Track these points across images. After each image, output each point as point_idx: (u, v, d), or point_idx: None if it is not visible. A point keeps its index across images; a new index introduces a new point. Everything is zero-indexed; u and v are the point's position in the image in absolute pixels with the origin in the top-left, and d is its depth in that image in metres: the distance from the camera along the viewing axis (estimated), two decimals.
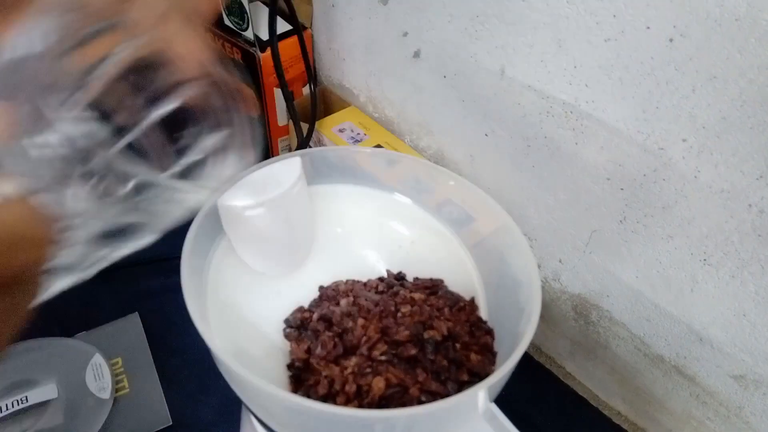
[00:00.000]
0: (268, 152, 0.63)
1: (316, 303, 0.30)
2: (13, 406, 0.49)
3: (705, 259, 0.38)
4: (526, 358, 0.56)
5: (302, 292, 0.30)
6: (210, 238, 0.28)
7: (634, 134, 0.38)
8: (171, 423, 0.50)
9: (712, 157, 0.35)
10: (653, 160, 0.38)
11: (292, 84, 0.59)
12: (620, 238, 0.43)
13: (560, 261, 0.49)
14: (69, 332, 0.55)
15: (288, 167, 0.28)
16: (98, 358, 0.53)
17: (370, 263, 0.32)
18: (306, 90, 0.60)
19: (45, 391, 0.50)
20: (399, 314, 0.27)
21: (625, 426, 0.51)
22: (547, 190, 0.46)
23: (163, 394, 0.52)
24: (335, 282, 0.30)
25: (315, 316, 0.28)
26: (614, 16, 0.35)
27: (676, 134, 0.36)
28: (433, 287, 0.29)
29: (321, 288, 0.30)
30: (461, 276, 0.31)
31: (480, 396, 0.21)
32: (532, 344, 0.57)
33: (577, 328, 0.51)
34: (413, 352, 0.25)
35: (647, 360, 0.47)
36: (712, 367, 0.42)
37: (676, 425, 0.48)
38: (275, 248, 0.29)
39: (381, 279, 0.31)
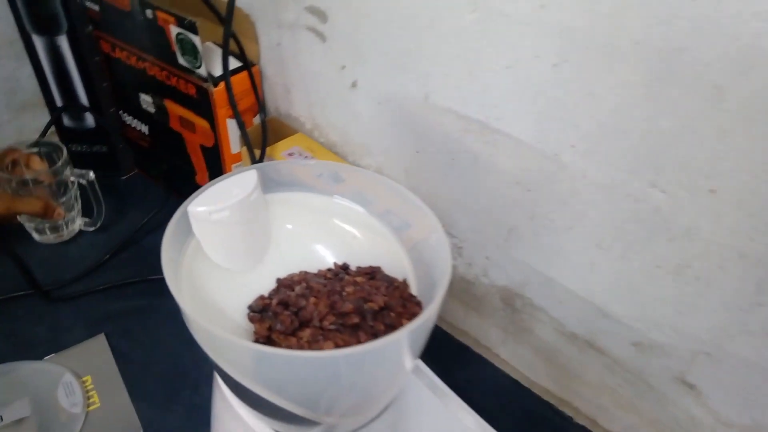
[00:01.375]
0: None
1: (275, 291, 0.35)
2: None
3: (598, 244, 0.46)
4: (467, 350, 0.63)
5: (262, 284, 0.35)
6: (181, 240, 0.33)
7: (534, 144, 0.46)
8: (142, 431, 0.54)
9: (595, 158, 0.43)
10: (551, 164, 0.45)
11: (244, 114, 0.65)
12: (532, 233, 0.50)
13: (487, 258, 0.56)
14: (39, 356, 0.58)
15: (246, 178, 0.34)
16: (69, 377, 0.57)
17: (320, 257, 0.37)
18: (257, 119, 0.66)
19: (19, 410, 0.53)
20: (344, 293, 0.33)
21: (552, 402, 0.58)
22: (471, 196, 0.53)
23: (132, 406, 0.55)
24: (290, 274, 0.36)
25: (274, 301, 0.34)
26: (512, 48, 0.43)
27: (566, 142, 0.44)
28: (372, 273, 0.36)
29: (278, 280, 0.36)
30: (397, 268, 0.37)
31: (404, 339, 0.27)
32: (472, 337, 0.63)
33: (506, 317, 0.58)
34: (356, 320, 0.31)
35: (564, 338, 0.54)
36: (615, 337, 0.50)
37: (594, 395, 0.55)
38: (237, 247, 0.34)
39: (329, 269, 0.36)
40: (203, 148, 0.68)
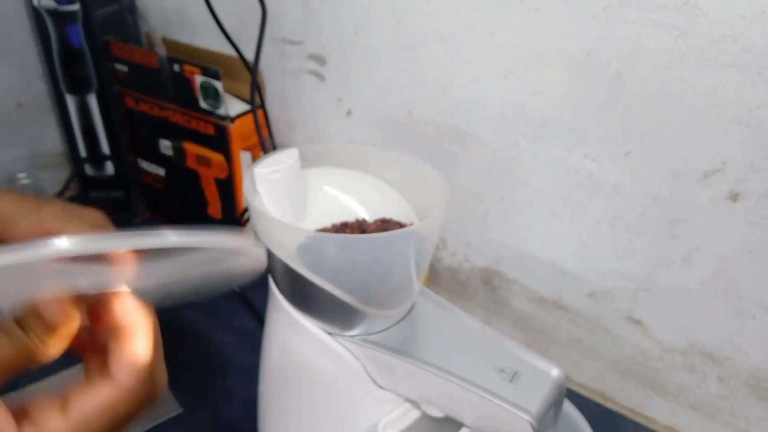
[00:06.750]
0: (234, 206, 0.80)
1: None
2: None
3: (553, 213, 0.59)
4: None
5: None
6: (249, 195, 0.44)
7: (497, 138, 0.60)
8: (181, 410, 0.61)
9: (542, 142, 0.57)
10: (511, 152, 0.59)
11: (253, 149, 0.77)
12: (502, 213, 0.63)
13: (467, 244, 0.68)
14: None
15: (290, 153, 0.46)
16: None
17: (350, 211, 0.49)
18: (263, 154, 0.78)
19: None
20: (368, 229, 0.45)
21: None
22: (451, 190, 0.66)
23: (171, 392, 0.63)
24: (324, 226, 0.48)
25: None
26: (472, 66, 0.58)
27: (520, 133, 0.58)
28: (386, 220, 0.47)
29: (316, 230, 0.47)
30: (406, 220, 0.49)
31: (409, 235, 0.39)
32: None
33: (487, 295, 0.69)
34: None
35: (535, 304, 0.65)
36: (575, 293, 0.62)
37: (565, 351, 0.66)
38: (286, 201, 0.46)
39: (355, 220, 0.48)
40: (217, 181, 0.79)
